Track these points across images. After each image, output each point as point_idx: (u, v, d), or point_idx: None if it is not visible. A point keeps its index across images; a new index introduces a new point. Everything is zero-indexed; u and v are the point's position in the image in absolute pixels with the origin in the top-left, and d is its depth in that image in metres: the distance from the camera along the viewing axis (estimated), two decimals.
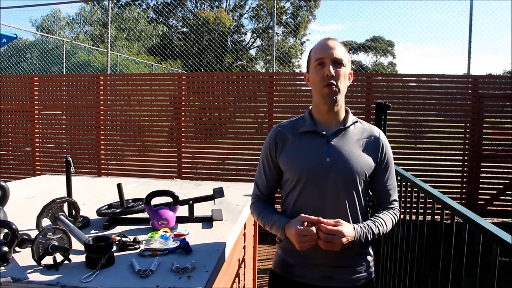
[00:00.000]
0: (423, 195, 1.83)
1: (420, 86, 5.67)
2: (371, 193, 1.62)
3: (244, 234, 2.40)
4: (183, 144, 5.98)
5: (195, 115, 6.23)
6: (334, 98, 1.46)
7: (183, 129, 5.99)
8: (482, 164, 5.32)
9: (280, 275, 1.59)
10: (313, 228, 1.36)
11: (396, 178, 2.33)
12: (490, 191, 5.32)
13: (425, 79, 5.62)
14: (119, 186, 1.91)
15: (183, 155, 5.98)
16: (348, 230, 1.36)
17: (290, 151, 1.53)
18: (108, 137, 6.29)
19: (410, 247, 2.00)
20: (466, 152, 5.33)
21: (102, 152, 6.20)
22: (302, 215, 1.40)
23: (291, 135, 1.55)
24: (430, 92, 5.55)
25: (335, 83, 1.44)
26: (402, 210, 2.22)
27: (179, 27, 22.04)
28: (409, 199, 2.09)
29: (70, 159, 1.84)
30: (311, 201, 1.48)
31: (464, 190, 5.36)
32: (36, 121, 6.40)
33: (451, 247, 1.44)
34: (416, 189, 1.94)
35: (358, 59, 28.83)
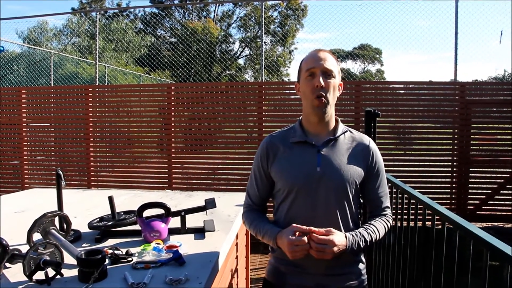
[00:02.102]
0: (413, 201, 1.85)
1: (409, 93, 5.73)
2: (362, 201, 1.64)
3: (236, 244, 2.40)
4: (173, 155, 5.96)
5: (185, 125, 6.22)
6: (324, 110, 1.49)
7: (172, 139, 5.97)
8: (470, 169, 5.37)
9: (273, 283, 1.60)
10: (305, 238, 1.37)
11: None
12: (479, 196, 5.37)
13: (413, 86, 5.69)
14: (110, 198, 1.90)
15: (173, 165, 5.95)
16: (339, 238, 1.37)
17: (281, 162, 1.55)
18: (98, 149, 6.25)
19: (402, 253, 2.01)
20: (455, 158, 5.39)
21: (91, 164, 6.16)
22: (294, 225, 1.41)
23: (282, 146, 1.56)
24: (418, 99, 5.61)
25: (324, 94, 1.47)
26: (393, 216, 2.24)
27: (167, 38, 22.06)
28: (400, 206, 2.11)
29: (61, 173, 1.83)
30: (303, 210, 1.49)
31: (453, 196, 5.41)
32: (24, 133, 6.34)
33: (442, 253, 1.46)
34: (406, 196, 1.96)
35: (346, 67, 29.02)
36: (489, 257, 1.11)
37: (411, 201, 1.90)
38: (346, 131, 1.58)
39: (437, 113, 5.54)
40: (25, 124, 6.35)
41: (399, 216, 2.15)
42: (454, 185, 5.41)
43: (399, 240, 2.07)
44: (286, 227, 1.46)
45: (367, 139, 1.59)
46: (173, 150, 5.96)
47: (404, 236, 2.00)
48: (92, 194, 3.01)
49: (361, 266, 1.58)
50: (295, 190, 1.50)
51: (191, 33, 17.79)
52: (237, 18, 24.19)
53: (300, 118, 1.61)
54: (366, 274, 1.61)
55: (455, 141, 5.40)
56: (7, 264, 1.49)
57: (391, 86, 6.06)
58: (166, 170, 5.98)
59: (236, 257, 2.43)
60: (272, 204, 1.66)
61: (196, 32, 18.37)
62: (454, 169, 5.41)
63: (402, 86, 5.83)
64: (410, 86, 5.71)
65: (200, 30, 19.15)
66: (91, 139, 6.14)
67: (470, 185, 5.39)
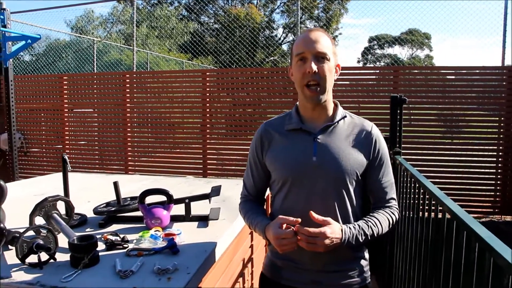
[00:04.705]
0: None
1: (451, 78, 5.44)
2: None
3: (252, 233, 2.35)
4: (208, 141, 5.98)
5: (220, 112, 6.21)
6: (318, 98, 1.38)
7: (207, 125, 5.99)
8: None
9: (269, 278, 1.54)
10: (294, 229, 1.30)
11: (403, 173, 2.22)
12: None
13: (455, 71, 5.39)
14: (115, 184, 1.90)
15: (208, 151, 5.98)
16: (334, 230, 1.27)
17: (275, 151, 1.46)
18: (135, 134, 6.37)
19: (418, 247, 1.89)
20: (501, 148, 5.10)
21: (129, 149, 6.30)
22: (281, 216, 1.33)
23: (278, 134, 1.48)
24: (461, 85, 5.32)
25: (318, 81, 1.36)
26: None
27: (211, 24, 22.17)
28: (416, 196, 1.98)
29: (66, 158, 1.84)
30: (298, 202, 1.40)
31: (498, 187, 5.12)
32: (66, 119, 6.57)
33: (451, 252, 1.34)
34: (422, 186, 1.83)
35: (393, 52, 28.13)
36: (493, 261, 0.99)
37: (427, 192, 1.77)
38: (346, 116, 1.46)
39: (482, 100, 5.23)
40: (67, 110, 6.57)
41: (420, 207, 2.02)
42: (499, 176, 5.11)
43: (427, 233, 1.93)
44: None
45: (369, 125, 1.47)
46: (207, 136, 5.98)
47: (419, 229, 1.87)
48: (114, 178, 3.04)
49: (363, 263, 1.48)
50: (289, 181, 1.41)
51: (233, 19, 17.77)
52: (281, 3, 23.93)
53: (297, 103, 1.51)
54: (369, 271, 1.51)
55: (501, 130, 5.09)
56: (10, 246, 1.51)
57: (430, 71, 5.77)
58: (201, 156, 6.02)
59: (251, 246, 2.39)
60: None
61: (239, 18, 18.31)
62: (500, 159, 5.11)
63: (443, 71, 5.52)
64: (452, 71, 5.41)
65: (243, 16, 19.08)
66: (128, 124, 6.27)
67: None
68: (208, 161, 6.00)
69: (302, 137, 1.43)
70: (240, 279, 2.16)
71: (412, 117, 5.38)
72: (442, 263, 1.43)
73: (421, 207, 1.85)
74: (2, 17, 4.48)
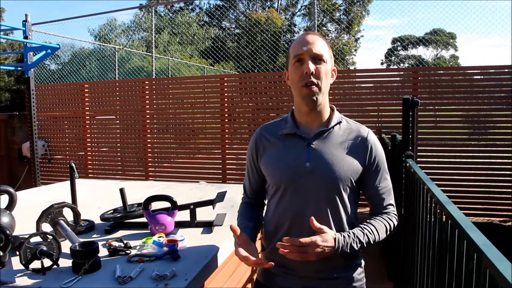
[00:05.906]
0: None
1: (476, 79, 5.28)
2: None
3: (261, 238, 2.34)
4: (227, 145, 5.99)
5: (239, 116, 6.22)
6: (315, 98, 1.36)
7: (226, 130, 6.00)
8: None
9: (263, 284, 1.53)
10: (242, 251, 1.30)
11: (413, 177, 2.17)
12: None
13: (475, 71, 5.26)
14: (121, 190, 1.93)
15: (227, 156, 5.99)
16: (325, 239, 1.24)
17: (269, 156, 1.46)
18: (155, 140, 6.43)
19: (426, 253, 1.84)
20: None
21: (149, 155, 6.36)
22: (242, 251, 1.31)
23: (273, 138, 1.47)
24: (483, 85, 5.17)
25: (315, 81, 1.35)
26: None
27: (232, 29, 22.30)
28: (424, 199, 1.93)
29: (74, 165, 1.87)
30: (291, 208, 1.40)
31: None
32: (87, 126, 6.70)
33: (453, 259, 1.30)
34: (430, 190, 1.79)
35: (417, 53, 27.65)
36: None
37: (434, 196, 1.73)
38: (341, 121, 1.44)
39: (505, 100, 5.07)
40: (88, 117, 6.70)
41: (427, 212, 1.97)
42: None
43: (429, 238, 1.88)
44: (275, 225, 1.43)
45: (365, 131, 1.44)
46: (226, 141, 5.99)
47: (427, 234, 1.83)
48: (129, 185, 3.09)
49: (358, 270, 1.45)
50: (283, 186, 1.41)
51: (254, 24, 17.84)
52: (302, 7, 23.89)
53: (293, 108, 1.50)
54: (364, 278, 1.48)
55: None
56: (18, 252, 1.55)
57: (456, 72, 5.63)
58: (220, 161, 6.03)
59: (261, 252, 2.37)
60: None
61: (260, 22, 18.37)
62: None
63: (470, 71, 5.37)
64: (475, 71, 5.27)
65: (264, 21, 19.12)
66: (148, 131, 6.35)
67: None
68: (227, 166, 6.00)
69: (296, 142, 1.42)
70: (249, 285, 2.15)
71: (438, 119, 5.27)
72: (446, 271, 1.39)
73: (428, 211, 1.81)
74: (24, 28, 4.62)
